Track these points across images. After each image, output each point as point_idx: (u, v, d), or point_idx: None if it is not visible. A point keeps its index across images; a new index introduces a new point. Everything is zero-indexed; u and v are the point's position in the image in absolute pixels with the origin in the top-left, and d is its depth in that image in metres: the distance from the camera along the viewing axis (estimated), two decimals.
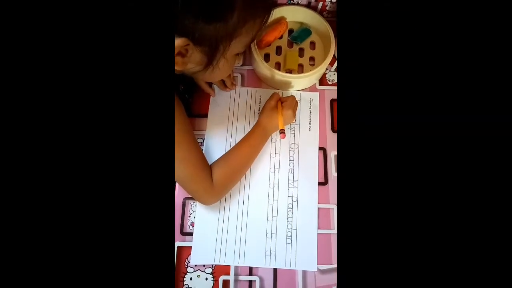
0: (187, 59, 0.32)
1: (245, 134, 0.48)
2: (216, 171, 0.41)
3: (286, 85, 0.50)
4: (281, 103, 0.45)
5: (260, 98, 0.51)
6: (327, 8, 0.53)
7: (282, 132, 0.43)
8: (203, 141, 0.48)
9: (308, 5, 0.53)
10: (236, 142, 0.45)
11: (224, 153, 0.45)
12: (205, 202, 0.42)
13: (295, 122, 0.50)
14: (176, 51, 0.30)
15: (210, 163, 0.48)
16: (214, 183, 0.40)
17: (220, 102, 0.50)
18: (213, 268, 0.43)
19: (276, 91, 0.52)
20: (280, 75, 0.47)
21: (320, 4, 0.53)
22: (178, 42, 0.29)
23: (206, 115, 0.50)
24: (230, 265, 0.43)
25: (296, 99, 0.47)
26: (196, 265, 0.43)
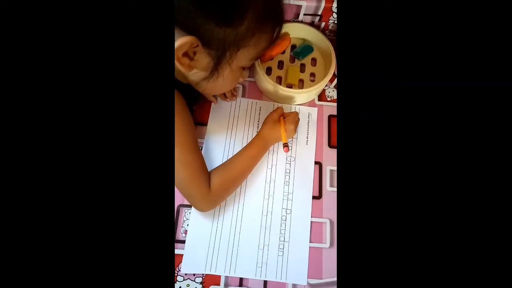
0: (194, 62, 0.33)
1: (243, 145, 0.49)
2: (214, 178, 0.41)
3: (286, 99, 0.51)
4: (284, 118, 0.47)
5: (260, 110, 0.52)
6: (330, 27, 0.55)
7: (286, 145, 0.44)
8: (202, 149, 0.49)
9: (312, 24, 0.55)
10: (234, 152, 0.46)
11: (222, 161, 0.45)
12: (200, 208, 0.42)
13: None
14: (184, 49, 0.30)
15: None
16: (211, 189, 0.40)
17: (220, 112, 0.51)
18: (203, 277, 0.43)
19: (276, 104, 0.53)
20: (281, 89, 0.48)
21: (323, 24, 0.54)
22: (188, 39, 0.29)
23: (205, 124, 0.51)
24: (220, 275, 0.43)
25: (298, 115, 0.48)
26: (186, 274, 0.43)
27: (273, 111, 0.48)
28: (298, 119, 0.48)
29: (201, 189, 0.39)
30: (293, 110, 0.52)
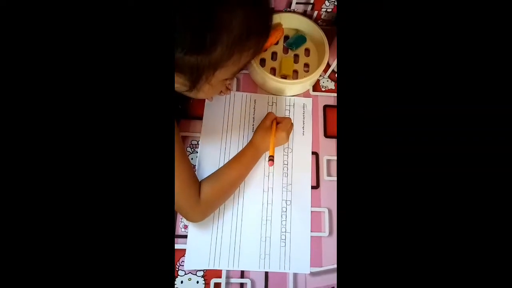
0: None
1: (239, 140, 0.48)
2: (204, 188, 0.40)
3: (281, 90, 0.51)
4: (276, 124, 0.45)
5: (254, 103, 0.52)
6: (322, 16, 0.55)
7: (271, 159, 0.42)
8: (198, 143, 0.48)
9: (304, 13, 0.54)
10: (231, 146, 0.45)
11: (218, 157, 0.45)
12: (190, 219, 0.41)
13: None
14: None
15: (203, 167, 0.48)
16: (201, 200, 0.39)
17: (215, 106, 0.51)
18: (205, 270, 0.43)
19: (271, 96, 0.52)
20: (275, 81, 0.48)
21: (316, 12, 0.54)
22: None
23: (201, 117, 0.50)
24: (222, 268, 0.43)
25: (291, 122, 0.47)
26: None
27: (265, 117, 0.46)
28: (292, 125, 0.47)
29: (189, 200, 0.38)
30: (288, 101, 0.52)
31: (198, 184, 0.40)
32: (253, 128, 0.50)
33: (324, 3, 0.52)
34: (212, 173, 0.43)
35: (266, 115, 0.47)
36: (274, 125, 0.45)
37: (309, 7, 0.53)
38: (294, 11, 0.54)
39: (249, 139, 0.46)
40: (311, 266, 0.44)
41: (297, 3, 0.52)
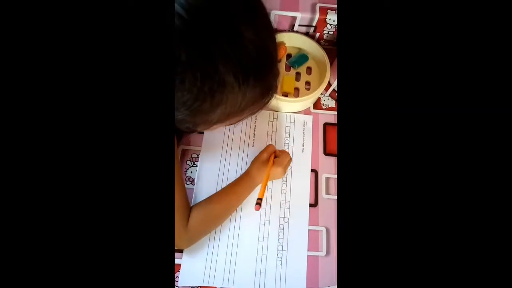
0: None
1: (239, 155, 0.49)
2: (194, 215, 0.39)
3: (282, 107, 0.52)
4: (274, 158, 0.44)
5: (255, 119, 0.52)
6: (324, 37, 0.57)
7: (258, 203, 0.39)
8: (198, 157, 0.49)
9: (307, 34, 0.56)
10: (230, 162, 0.45)
11: (218, 172, 0.44)
12: (176, 244, 0.39)
13: (288, 144, 0.51)
14: None
15: (203, 181, 0.48)
16: (189, 226, 0.39)
17: None
18: (199, 287, 0.42)
19: (272, 113, 0.53)
20: (276, 98, 0.49)
21: (318, 34, 0.56)
22: None
23: (201, 131, 0.51)
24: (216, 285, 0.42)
25: (290, 156, 0.46)
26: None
27: (264, 149, 0.45)
28: (290, 159, 0.46)
29: (177, 225, 0.38)
30: (288, 118, 0.53)
31: (188, 210, 0.39)
32: (253, 144, 0.50)
33: (326, 26, 0.53)
34: (204, 200, 0.42)
35: (266, 147, 0.45)
36: (271, 162, 0.44)
37: (311, 29, 0.54)
38: (297, 32, 0.55)
39: (249, 155, 0.47)
40: (307, 286, 0.43)
41: (299, 25, 0.54)
